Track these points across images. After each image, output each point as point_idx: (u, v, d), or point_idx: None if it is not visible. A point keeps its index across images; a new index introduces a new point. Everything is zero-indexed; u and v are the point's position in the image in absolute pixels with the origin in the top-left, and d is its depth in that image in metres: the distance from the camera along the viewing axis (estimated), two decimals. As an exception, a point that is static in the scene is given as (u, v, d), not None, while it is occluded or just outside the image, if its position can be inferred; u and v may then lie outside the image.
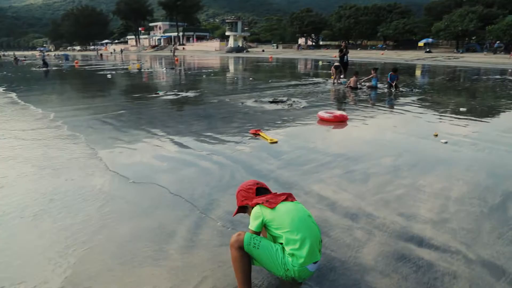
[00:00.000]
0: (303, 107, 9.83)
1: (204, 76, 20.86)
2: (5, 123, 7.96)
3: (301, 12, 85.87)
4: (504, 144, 6.30)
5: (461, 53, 54.28)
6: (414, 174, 4.79)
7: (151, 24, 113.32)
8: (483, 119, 8.56)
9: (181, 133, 6.89)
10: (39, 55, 69.18)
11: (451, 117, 8.70)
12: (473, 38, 64.10)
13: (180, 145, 6.10)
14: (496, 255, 2.98)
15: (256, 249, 2.32)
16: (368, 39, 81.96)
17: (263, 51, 71.98)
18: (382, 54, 53.47)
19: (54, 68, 30.46)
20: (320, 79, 18.05)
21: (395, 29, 67.86)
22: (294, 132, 7.15)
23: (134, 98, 11.98)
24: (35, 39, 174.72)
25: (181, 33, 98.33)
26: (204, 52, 72.64)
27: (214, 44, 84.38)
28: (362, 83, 14.34)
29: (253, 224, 2.40)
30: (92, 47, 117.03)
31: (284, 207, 2.40)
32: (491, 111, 9.72)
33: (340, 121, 7.84)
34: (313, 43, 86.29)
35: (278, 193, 2.57)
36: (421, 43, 65.34)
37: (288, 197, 2.50)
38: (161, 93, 12.54)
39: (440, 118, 8.54)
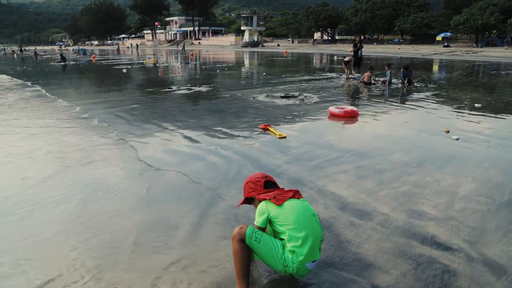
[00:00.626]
0: (314, 102, 9.80)
1: (218, 70, 20.94)
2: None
3: (317, 6, 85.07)
4: (518, 141, 6.18)
5: (481, 47, 52.99)
6: (422, 171, 4.75)
7: (167, 19, 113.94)
8: (498, 116, 8.39)
9: (191, 127, 6.97)
10: (58, 50, 70.46)
11: (465, 113, 8.56)
12: (494, 32, 62.38)
13: (190, 139, 6.18)
14: (499, 254, 2.96)
15: (257, 243, 2.37)
16: (384, 33, 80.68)
17: (278, 45, 71.73)
18: (399, 48, 52.61)
19: (71, 62, 30.99)
20: (334, 74, 17.92)
21: (413, 23, 66.61)
22: (303, 127, 7.15)
23: (148, 92, 12.13)
24: (54, 34, 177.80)
25: (196, 28, 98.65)
26: (220, 47, 72.75)
27: (230, 38, 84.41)
28: (376, 79, 14.18)
29: (259, 220, 2.44)
30: (110, 41, 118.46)
31: (290, 204, 2.41)
32: (507, 108, 9.51)
33: (350, 117, 7.79)
34: (329, 38, 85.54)
35: (285, 189, 2.59)
36: (439, 38, 63.95)
37: (295, 194, 2.51)
38: (174, 88, 12.66)
39: (454, 114, 8.41)
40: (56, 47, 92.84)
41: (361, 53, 16.49)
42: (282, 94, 10.82)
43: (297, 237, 2.33)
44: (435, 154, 5.46)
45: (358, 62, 16.39)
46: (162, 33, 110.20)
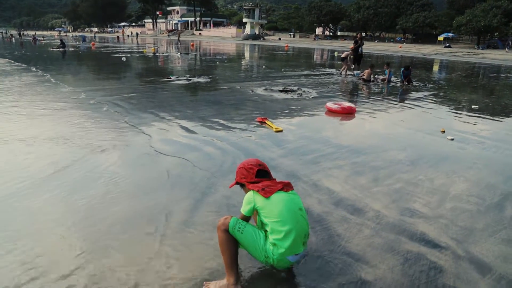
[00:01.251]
0: (312, 97, 9.82)
1: (217, 62, 20.88)
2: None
3: (319, 1, 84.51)
4: (512, 144, 6.23)
5: (482, 49, 52.98)
6: (416, 169, 4.80)
7: (169, 8, 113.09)
8: (494, 118, 8.43)
9: (188, 118, 6.99)
10: (57, 35, 69.92)
11: (462, 114, 8.60)
12: (496, 34, 62.32)
13: (186, 129, 6.19)
14: (485, 253, 3.01)
15: (240, 233, 2.40)
16: (386, 31, 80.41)
17: (279, 39, 71.46)
18: (400, 47, 52.51)
19: (71, 49, 30.81)
20: (333, 70, 17.91)
21: (415, 22, 66.38)
22: (300, 122, 7.17)
23: (147, 81, 12.11)
24: (54, 19, 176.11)
25: (198, 19, 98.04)
26: (221, 38, 72.41)
27: (231, 30, 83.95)
28: (376, 77, 14.20)
29: (245, 209, 2.48)
30: (110, 29, 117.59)
31: (276, 197, 2.42)
32: (504, 110, 9.56)
33: (348, 113, 7.82)
34: (331, 33, 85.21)
35: (276, 180, 2.60)
36: (440, 38, 63.83)
37: (285, 187, 2.52)
38: (173, 78, 12.64)
39: (451, 115, 8.45)
40: (55, 33, 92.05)
41: (361, 50, 16.47)
42: (281, 88, 10.83)
43: (279, 231, 2.36)
44: (429, 153, 5.51)
45: (358, 59, 16.37)
46: (163, 22, 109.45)
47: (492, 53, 43.26)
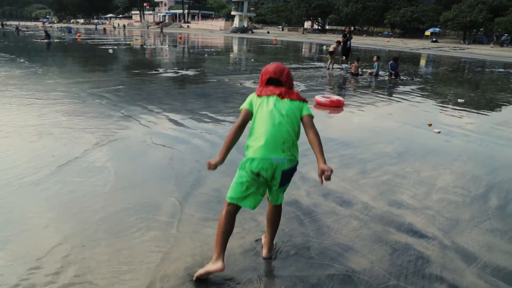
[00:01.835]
0: (301, 90, 9.83)
1: (206, 55, 20.73)
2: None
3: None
4: (496, 137, 6.35)
5: (468, 44, 53.72)
6: (402, 162, 4.85)
7: (156, 0, 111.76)
8: (479, 111, 8.57)
9: (176, 111, 6.93)
10: (41, 26, 68.48)
11: (448, 107, 8.72)
12: (481, 29, 63.20)
13: (175, 122, 6.15)
14: (471, 243, 3.07)
15: None
16: (375, 25, 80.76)
17: (268, 32, 71.22)
18: (388, 41, 52.84)
19: (56, 40, 30.23)
20: (322, 64, 17.94)
21: (403, 17, 66.85)
22: (289, 115, 7.17)
23: (134, 74, 11.97)
24: (38, 10, 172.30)
25: (186, 11, 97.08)
26: (209, 31, 71.83)
27: (219, 23, 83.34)
28: (364, 70, 14.28)
29: (244, 103, 2.48)
30: (96, 20, 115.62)
31: (266, 100, 2.40)
32: (489, 104, 9.72)
33: (336, 106, 7.85)
34: (319, 27, 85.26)
35: (290, 90, 2.49)
36: (428, 32, 64.44)
37: (284, 94, 2.43)
38: (161, 70, 12.52)
39: (437, 108, 8.55)
40: (39, 24, 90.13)
41: (350, 44, 16.51)
42: (270, 81, 10.80)
43: (254, 132, 2.37)
44: (416, 146, 5.58)
45: (346, 53, 16.42)
46: (150, 14, 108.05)
47: (477, 48, 43.86)
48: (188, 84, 10.37)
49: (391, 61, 13.61)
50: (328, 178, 2.29)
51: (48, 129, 5.40)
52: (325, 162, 2.34)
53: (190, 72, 12.49)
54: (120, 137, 5.20)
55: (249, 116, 2.44)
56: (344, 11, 76.05)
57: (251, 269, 2.60)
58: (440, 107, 8.79)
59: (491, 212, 3.62)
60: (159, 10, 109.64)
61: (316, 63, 18.41)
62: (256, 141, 2.34)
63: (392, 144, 5.58)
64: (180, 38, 39.15)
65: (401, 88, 11.19)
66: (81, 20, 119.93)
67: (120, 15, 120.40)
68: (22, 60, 14.36)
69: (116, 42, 29.68)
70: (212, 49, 25.88)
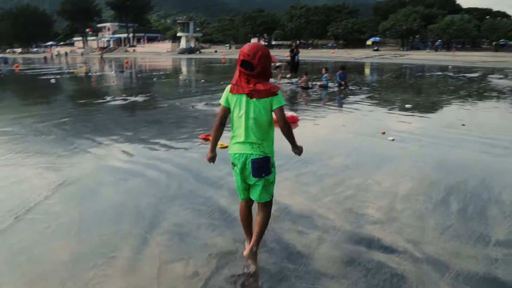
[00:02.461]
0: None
1: (154, 79, 20.29)
2: None
3: (253, 12, 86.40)
4: (446, 139, 6.59)
5: (406, 50, 57.03)
6: (363, 174, 4.86)
7: (99, 25, 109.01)
8: (427, 115, 8.93)
9: (128, 141, 6.59)
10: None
11: (397, 114, 9.01)
12: (417, 36, 67.59)
13: (127, 153, 5.82)
14: (440, 252, 3.06)
15: None
16: (319, 38, 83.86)
17: (216, 51, 71.59)
18: (333, 53, 54.85)
19: (-9, 73, 28.45)
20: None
21: (345, 29, 70.02)
22: (246, 135, 7.06)
23: (80, 104, 11.41)
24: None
25: (131, 34, 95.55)
26: (156, 54, 70.95)
27: (166, 45, 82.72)
28: (314, 83, 14.55)
29: (222, 98, 2.75)
30: (35, 49, 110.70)
31: (239, 99, 2.62)
32: (434, 107, 10.19)
33: (290, 123, 7.83)
34: (266, 43, 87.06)
35: (255, 82, 2.57)
36: (369, 42, 67.88)
37: (253, 93, 2.57)
38: (108, 98, 12.01)
39: (388, 116, 8.81)
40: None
41: (297, 58, 16.84)
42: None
43: (232, 129, 2.73)
44: (373, 156, 5.64)
45: (295, 67, 16.70)
46: (94, 40, 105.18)
47: (415, 53, 46.61)
48: (138, 111, 10.00)
49: (339, 71, 13.98)
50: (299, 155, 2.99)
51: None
52: (295, 146, 2.94)
53: (140, 98, 12.08)
54: (68, 176, 4.81)
55: (227, 111, 2.73)
56: (289, 26, 78.42)
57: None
58: (390, 114, 9.07)
59: (454, 217, 3.67)
60: (102, 35, 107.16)
61: (266, 79, 18.55)
62: (233, 139, 2.73)
63: (350, 157, 5.60)
64: (127, 62, 38.27)
65: (351, 98, 11.48)
66: (19, 49, 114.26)
67: (62, 42, 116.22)
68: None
69: (59, 71, 28.41)
70: (160, 72, 25.46)
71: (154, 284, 2.66)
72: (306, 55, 45.69)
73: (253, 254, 2.82)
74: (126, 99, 11.90)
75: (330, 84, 14.28)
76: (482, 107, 10.32)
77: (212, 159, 2.88)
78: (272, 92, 2.58)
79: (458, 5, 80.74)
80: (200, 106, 10.23)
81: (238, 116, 2.63)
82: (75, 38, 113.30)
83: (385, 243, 3.19)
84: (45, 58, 57.65)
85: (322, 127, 7.58)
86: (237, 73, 2.62)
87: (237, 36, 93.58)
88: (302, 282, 2.68)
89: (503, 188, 4.39)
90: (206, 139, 6.53)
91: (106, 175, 4.89)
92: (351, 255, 3.01)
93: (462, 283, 2.67)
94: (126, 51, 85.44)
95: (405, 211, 3.78)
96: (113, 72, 26.20)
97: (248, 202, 2.91)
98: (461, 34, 59.34)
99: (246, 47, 2.60)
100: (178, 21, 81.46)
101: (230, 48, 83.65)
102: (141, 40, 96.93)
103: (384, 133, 6.95)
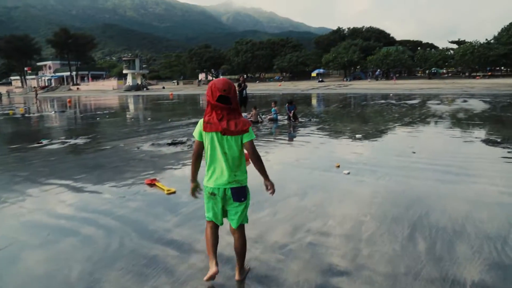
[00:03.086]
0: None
1: (98, 118, 19.31)
2: None
3: (199, 48, 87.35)
4: (400, 169, 6.53)
5: (349, 81, 59.90)
6: (322, 215, 4.55)
7: (39, 64, 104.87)
8: (377, 144, 8.96)
9: (62, 191, 5.86)
10: None
11: (349, 144, 8.97)
12: (358, 67, 71.55)
13: (61, 206, 5.12)
14: (417, 305, 2.74)
15: None
16: (265, 71, 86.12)
17: (163, 88, 70.96)
18: (280, 85, 56.23)
19: None
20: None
21: (289, 62, 72.51)
22: (195, 176, 6.58)
23: (11, 149, 10.36)
24: None
25: (74, 73, 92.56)
26: (101, 92, 68.95)
27: (111, 83, 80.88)
28: (263, 117, 14.44)
29: (196, 131, 2.88)
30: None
31: (211, 137, 2.76)
32: (381, 135, 10.32)
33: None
34: (214, 78, 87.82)
35: (227, 118, 2.71)
36: (314, 74, 70.65)
37: (226, 131, 2.71)
38: (45, 142, 11.05)
39: (340, 147, 8.74)
40: None
41: (245, 93, 16.76)
42: (169, 141, 10.14)
43: (207, 163, 2.86)
44: (331, 193, 5.38)
45: (244, 101, 16.57)
46: (33, 78, 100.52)
47: (358, 83, 48.92)
48: (77, 156, 9.18)
49: (287, 104, 13.99)
50: (272, 193, 3.10)
51: None
52: (266, 178, 3.05)
53: (80, 141, 11.23)
54: (-17, 242, 4.06)
55: (201, 146, 2.88)
56: (236, 61, 79.96)
57: None
58: (342, 145, 9.02)
59: (423, 258, 3.42)
60: (43, 73, 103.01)
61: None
62: (208, 173, 2.86)
63: (306, 196, 5.29)
64: (70, 101, 36.61)
65: (302, 130, 11.41)
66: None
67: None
68: None
69: (-9, 114, 26.41)
70: (105, 111, 24.39)
71: None
72: (254, 88, 46.40)
73: (244, 275, 3.11)
74: (65, 142, 11.00)
75: (279, 117, 14.24)
76: (428, 132, 10.63)
77: (195, 188, 3.03)
78: (243, 130, 2.75)
79: (392, 37, 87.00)
80: (146, 146, 9.61)
81: (212, 152, 2.79)
82: (12, 77, 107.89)
83: (356, 299, 2.83)
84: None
85: (275, 163, 7.27)
86: (208, 109, 2.75)
87: (184, 71, 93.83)
88: None
89: (465, 219, 4.27)
90: (151, 185, 5.96)
91: (32, 235, 4.17)
92: (320, 320, 2.61)
93: None
94: (70, 89, 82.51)
95: (372, 256, 3.47)
96: (53, 112, 24.77)
97: (216, 225, 3.05)
98: (398, 64, 63.68)
99: (218, 83, 2.71)
100: (124, 58, 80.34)
101: (177, 84, 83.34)
102: (85, 78, 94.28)
103: (338, 166, 6.77)
